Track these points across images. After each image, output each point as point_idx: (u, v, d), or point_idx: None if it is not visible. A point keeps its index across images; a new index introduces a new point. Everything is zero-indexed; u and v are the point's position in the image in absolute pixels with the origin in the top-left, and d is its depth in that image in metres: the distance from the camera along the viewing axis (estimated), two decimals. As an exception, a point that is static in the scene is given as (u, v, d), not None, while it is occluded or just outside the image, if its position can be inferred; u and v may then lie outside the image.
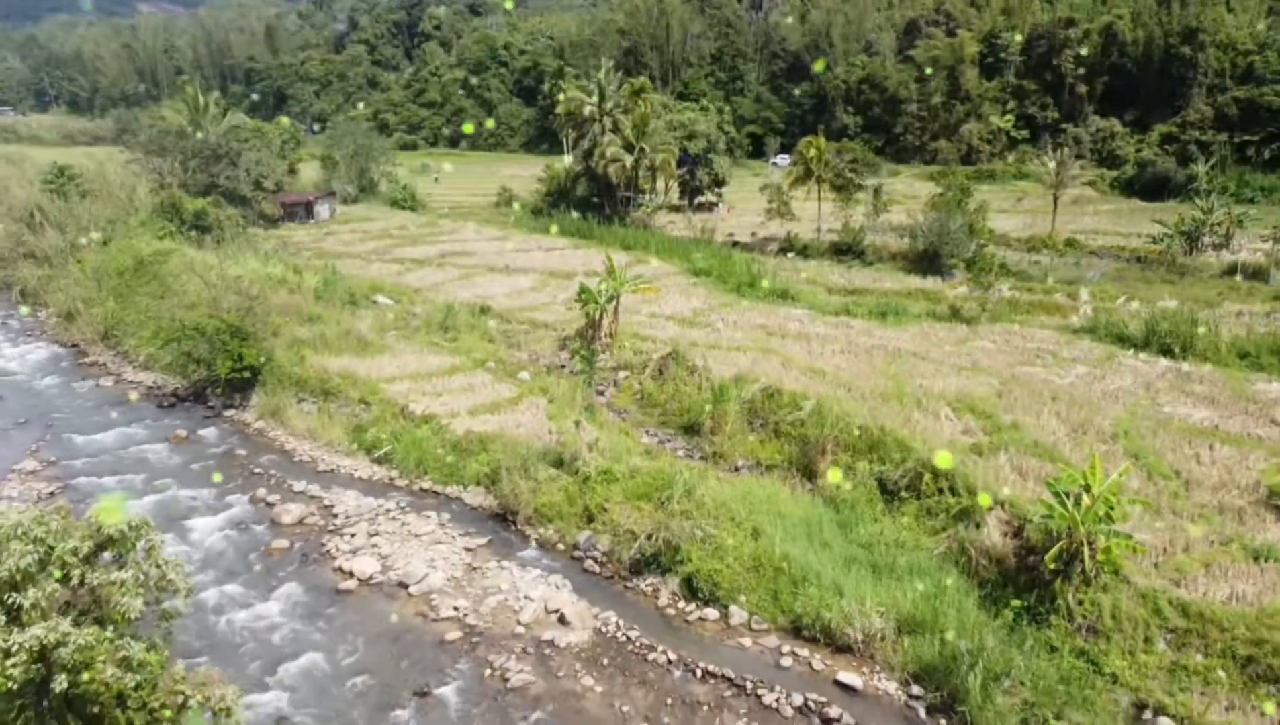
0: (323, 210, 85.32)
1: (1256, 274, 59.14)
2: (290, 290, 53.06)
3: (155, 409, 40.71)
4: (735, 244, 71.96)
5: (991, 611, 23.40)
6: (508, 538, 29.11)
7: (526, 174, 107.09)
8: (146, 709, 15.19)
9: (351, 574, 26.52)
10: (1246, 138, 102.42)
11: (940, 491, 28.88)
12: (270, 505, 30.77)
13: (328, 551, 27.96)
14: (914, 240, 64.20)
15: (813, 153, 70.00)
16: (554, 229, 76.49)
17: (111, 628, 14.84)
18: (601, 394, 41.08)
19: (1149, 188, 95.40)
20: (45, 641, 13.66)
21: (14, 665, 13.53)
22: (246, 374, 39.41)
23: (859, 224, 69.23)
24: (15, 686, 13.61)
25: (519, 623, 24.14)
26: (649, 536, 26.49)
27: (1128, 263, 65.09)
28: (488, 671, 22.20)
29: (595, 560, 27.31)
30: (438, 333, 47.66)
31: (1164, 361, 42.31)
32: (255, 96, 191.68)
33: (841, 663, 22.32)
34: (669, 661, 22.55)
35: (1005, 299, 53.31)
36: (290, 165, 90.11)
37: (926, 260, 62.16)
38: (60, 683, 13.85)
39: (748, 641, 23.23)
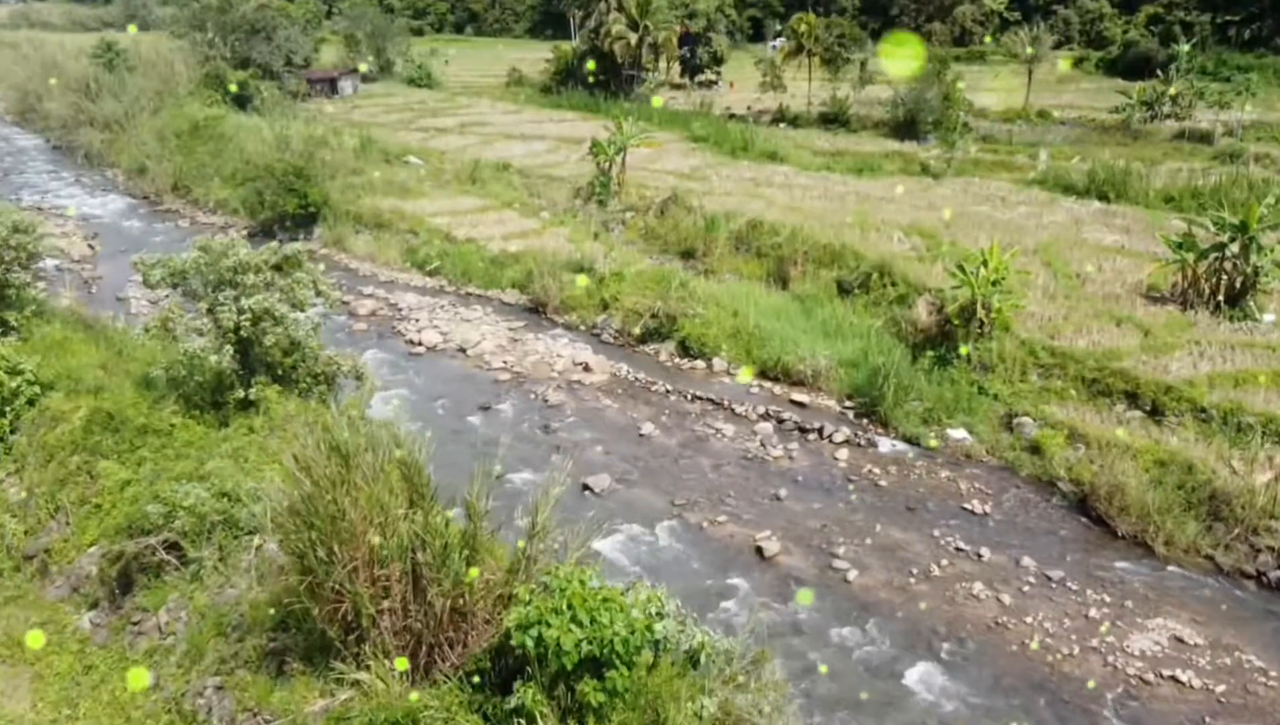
0: (346, 86, 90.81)
1: (1203, 139, 65.46)
2: (332, 150, 59.66)
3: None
4: (732, 116, 77.93)
5: (914, 361, 30.93)
6: (538, 323, 36.61)
7: (533, 57, 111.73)
8: (309, 371, 22.87)
9: (420, 343, 34.09)
10: (1228, 18, 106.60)
11: (885, 285, 36.22)
12: (346, 302, 38.10)
13: (398, 331, 35.49)
14: (895, 109, 70.35)
15: (804, 28, 75.48)
16: (564, 104, 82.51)
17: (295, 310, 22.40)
18: (611, 231, 48.14)
19: (1132, 67, 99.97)
20: (261, 306, 21.19)
21: (245, 319, 21.11)
22: (311, 210, 46.41)
23: (846, 94, 75.16)
24: (243, 335, 21.22)
25: (553, 370, 31.76)
26: (652, 314, 33.96)
27: (1090, 130, 71.26)
28: (532, 396, 29.92)
29: (610, 334, 34.85)
30: (467, 183, 54.47)
31: (1097, 204, 49.17)
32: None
33: (796, 390, 30.01)
34: (667, 391, 30.24)
35: (971, 158, 59.83)
36: (315, 43, 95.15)
37: (906, 127, 68.44)
38: (264, 334, 21.45)
39: (726, 380, 30.92)
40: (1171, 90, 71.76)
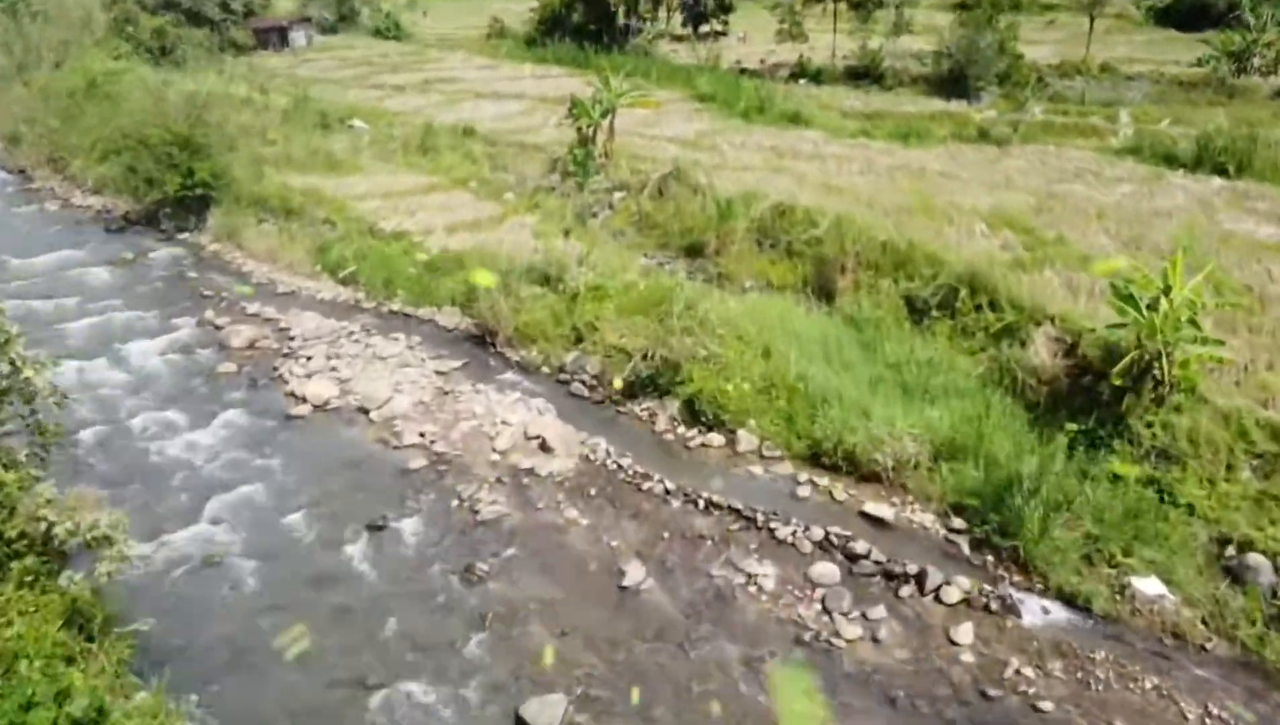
0: (298, 37, 79.05)
1: (1314, 97, 54.12)
2: (255, 111, 48.48)
3: (103, 233, 36.86)
4: (743, 71, 66.29)
5: (1042, 436, 20.08)
6: (485, 360, 25.68)
7: (519, 8, 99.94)
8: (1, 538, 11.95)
9: (304, 399, 23.18)
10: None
11: (978, 308, 25.26)
12: (219, 328, 27.29)
13: (280, 375, 24.59)
14: (937, 62, 58.97)
15: (830, -35, 63.62)
16: (549, 57, 71.36)
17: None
18: (595, 216, 37.01)
19: (1187, 16, 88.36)
20: None
21: None
22: (198, 191, 35.27)
23: (878, 45, 63.62)
24: None
25: (494, 450, 20.89)
26: (645, 356, 23.00)
27: (1168, 86, 59.81)
28: (455, 502, 19.05)
29: (584, 383, 23.92)
30: (416, 154, 43.28)
31: (1218, 180, 37.94)
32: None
33: (868, 493, 19.10)
34: (666, 492, 19.36)
35: (1038, 121, 48.54)
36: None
37: (951, 82, 56.88)
38: None
39: (758, 469, 19.99)
40: (1266, 39, 60.20)
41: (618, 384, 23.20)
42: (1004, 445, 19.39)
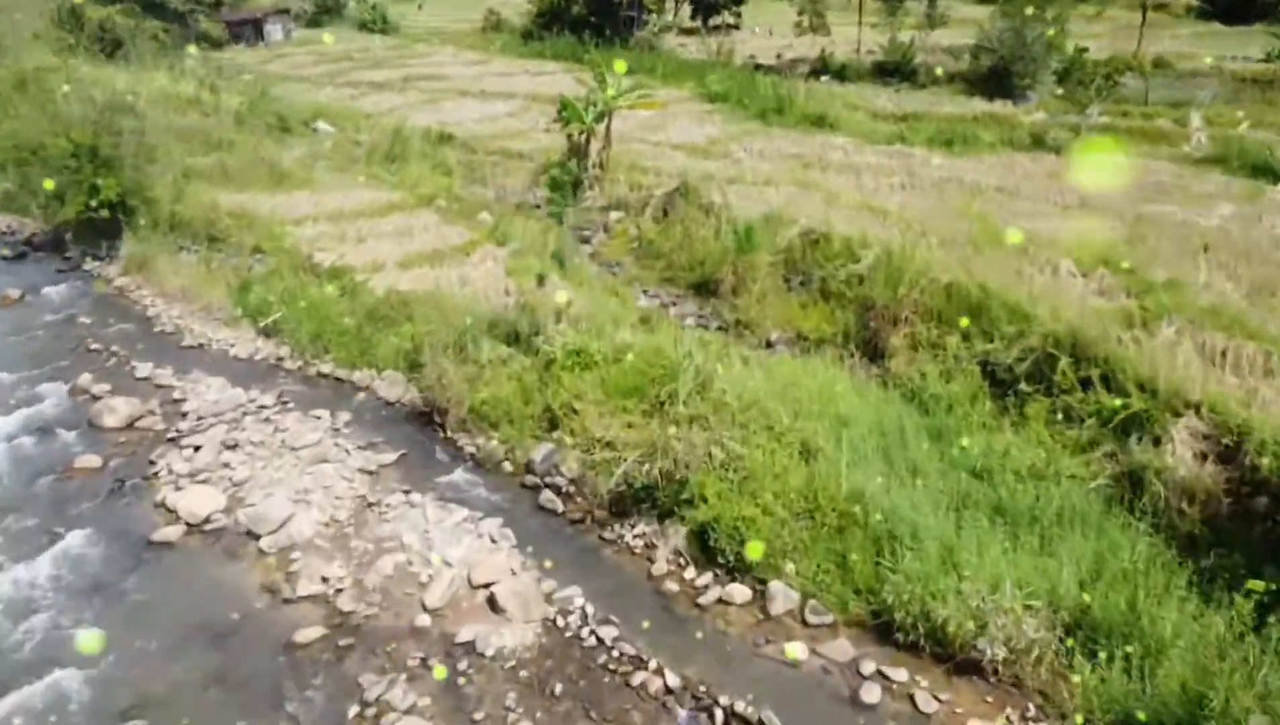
0: (275, 30, 73.14)
1: (1407, 97, 47.55)
2: (204, 113, 42.36)
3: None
4: (758, 67, 59.93)
5: (1208, 596, 13.82)
6: (430, 449, 19.43)
7: (519, 1, 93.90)
8: None
9: (177, 515, 16.97)
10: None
11: (1084, 384, 18.96)
12: (95, 398, 21.11)
13: (155, 473, 18.40)
14: (976, 57, 52.70)
15: (856, -51, 57.24)
16: (546, 52, 65.40)
17: None
18: (587, 242, 30.82)
19: (1233, 8, 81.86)
20: None
21: None
22: (105, 213, 29.08)
23: (910, 38, 57.23)
24: None
25: (423, 606, 14.63)
26: (641, 458, 16.76)
27: (1239, 84, 53.26)
28: (354, 709, 12.82)
29: (557, 490, 17.66)
30: (381, 164, 37.12)
31: (1334, 198, 31.61)
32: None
33: (968, 697, 12.81)
34: (667, 689, 13.06)
35: (1098, 125, 42.20)
36: (239, -22, 76.99)
37: (994, 80, 50.52)
38: None
39: (801, 648, 13.66)
40: (1344, 32, 53.72)
41: (608, 489, 16.97)
42: (1166, 617, 13.13)
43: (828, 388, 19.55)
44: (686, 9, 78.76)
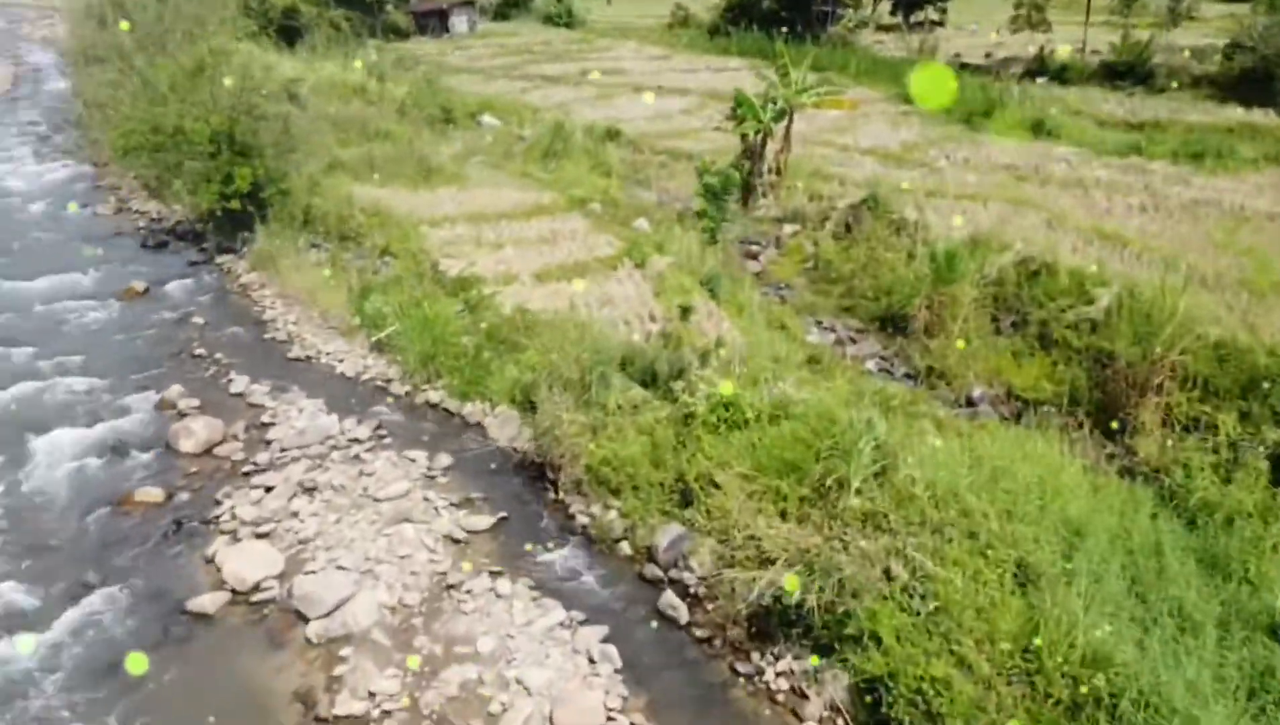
0: (459, 22, 72.23)
1: None
2: (368, 102, 40.77)
3: (137, 248, 29.51)
4: (964, 66, 53.90)
5: None
6: (535, 513, 15.82)
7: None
8: None
9: (222, 578, 13.99)
10: None
11: None
12: (181, 415, 18.67)
13: (216, 517, 15.57)
14: (1229, 59, 45.16)
15: (1090, -67, 50.41)
16: (732, 48, 61.83)
17: None
18: (754, 257, 26.71)
19: None
20: None
21: None
22: (236, 204, 27.12)
23: (1147, 36, 49.88)
24: None
25: (490, 753, 11.01)
26: (795, 564, 12.53)
27: None
28: None
29: (683, 592, 13.64)
30: (539, 161, 34.15)
31: None
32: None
33: None
34: None
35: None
36: (430, -31, 76.53)
37: (1252, 84, 42.92)
38: None
39: None
40: None
41: (745, 604, 12.83)
42: None
43: (1051, 475, 14.65)
44: (886, 4, 72.94)
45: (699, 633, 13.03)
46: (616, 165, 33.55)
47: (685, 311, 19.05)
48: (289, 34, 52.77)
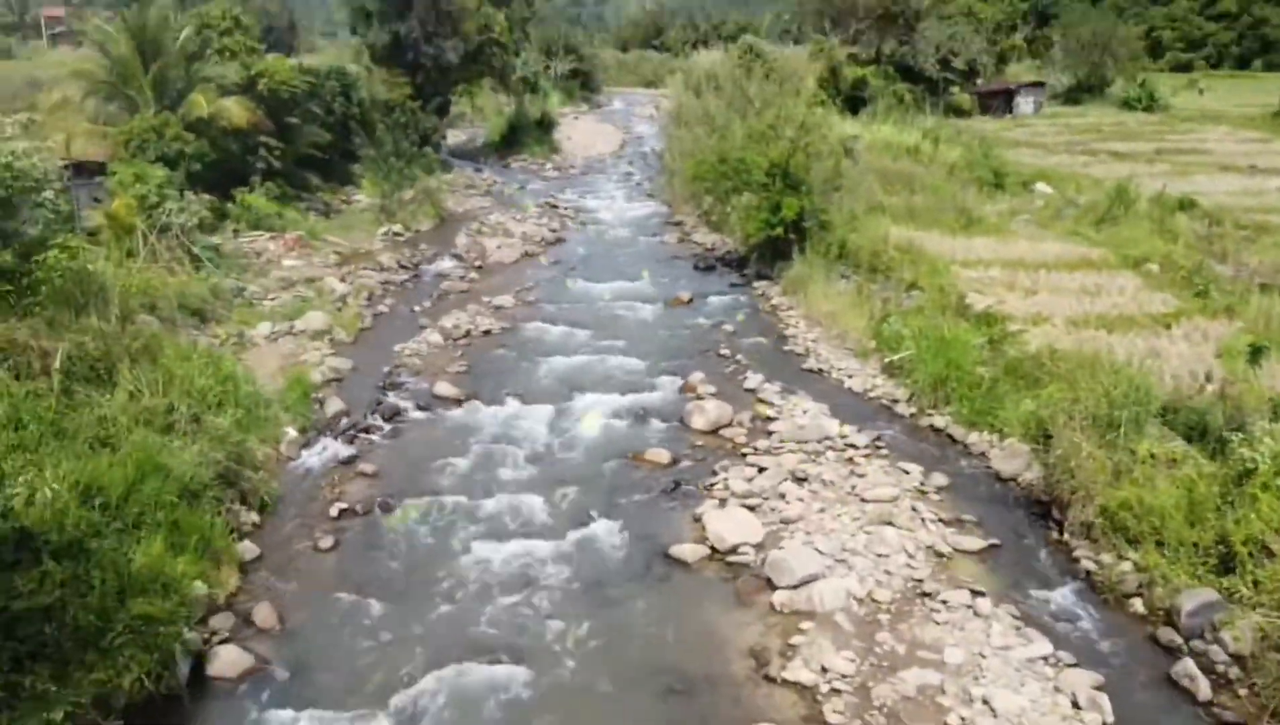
0: (1025, 103, 70.30)
1: None
2: (919, 162, 41.20)
3: (690, 270, 32.51)
4: None
5: None
6: (1032, 550, 14.19)
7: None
8: None
9: (704, 535, 14.49)
10: None
11: None
12: (699, 398, 20.00)
13: (711, 484, 16.27)
14: None
15: None
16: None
17: None
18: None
19: None
20: None
21: None
22: (778, 231, 28.67)
23: None
24: None
25: (938, 763, 9.90)
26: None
27: None
28: None
29: (1206, 666, 11.20)
30: (1090, 225, 31.62)
31: None
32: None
33: None
34: None
35: None
36: (1000, 52, 75.77)
37: None
38: None
39: None
40: None
41: (1286, 697, 10.19)
42: None
43: None
44: None
45: (1224, 715, 10.58)
46: (1186, 233, 29.79)
47: (1256, 352, 16.04)
48: (854, 103, 55.36)
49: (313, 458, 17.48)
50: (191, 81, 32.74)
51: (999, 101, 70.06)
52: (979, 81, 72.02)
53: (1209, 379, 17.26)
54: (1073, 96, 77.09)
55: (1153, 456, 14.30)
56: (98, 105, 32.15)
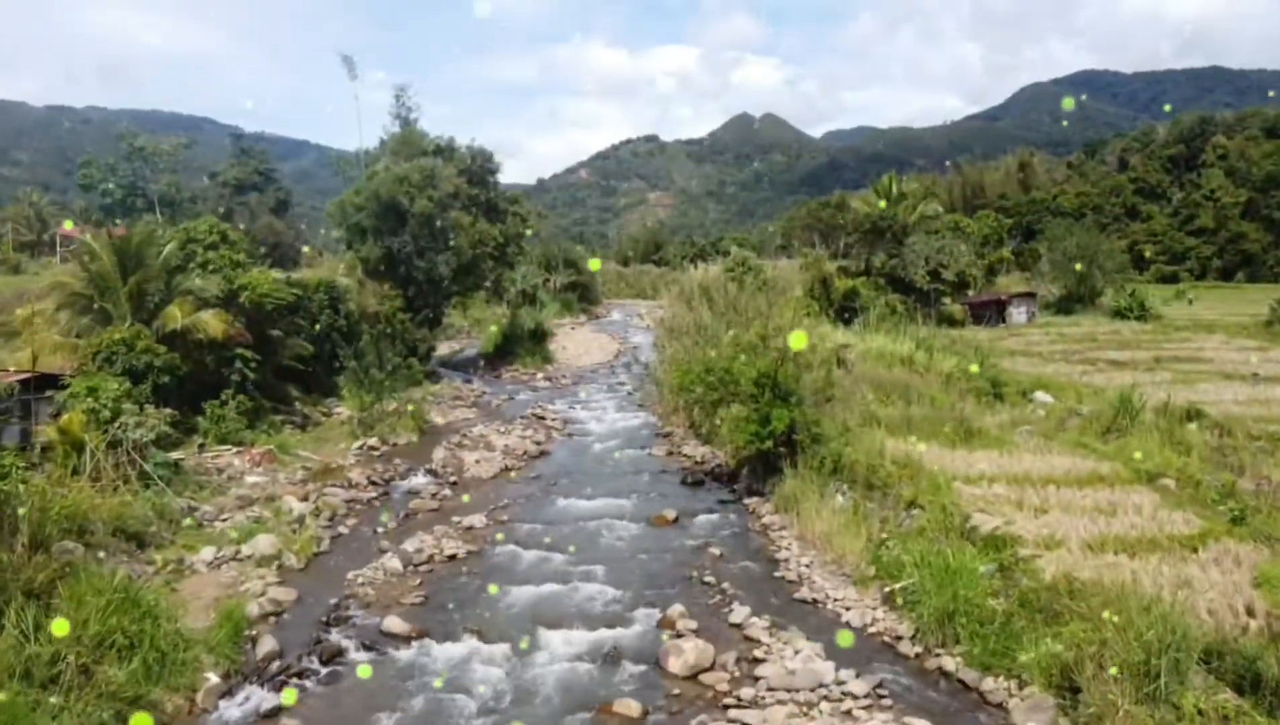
0: (1018, 313, 70.87)
1: None
2: (914, 371, 40.33)
3: (677, 484, 30.90)
4: None
5: None
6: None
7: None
8: None
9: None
10: None
11: None
12: (677, 635, 17.87)
13: (684, 750, 13.99)
14: None
15: None
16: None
17: None
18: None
19: None
20: None
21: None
22: (768, 444, 27.24)
23: None
24: None
25: None
26: None
27: None
28: None
29: None
30: (1096, 436, 30.21)
31: None
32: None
33: None
34: None
35: None
36: (989, 264, 77.14)
37: None
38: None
39: None
40: None
41: None
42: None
43: None
44: None
45: None
46: (1199, 445, 28.31)
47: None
48: (846, 313, 55.42)
49: (233, 709, 15.25)
50: (171, 294, 32.40)
51: (991, 311, 70.58)
52: (970, 292, 72.81)
53: (1251, 614, 15.27)
54: (1064, 306, 77.76)
55: (1200, 713, 12.18)
56: (70, 318, 31.56)
